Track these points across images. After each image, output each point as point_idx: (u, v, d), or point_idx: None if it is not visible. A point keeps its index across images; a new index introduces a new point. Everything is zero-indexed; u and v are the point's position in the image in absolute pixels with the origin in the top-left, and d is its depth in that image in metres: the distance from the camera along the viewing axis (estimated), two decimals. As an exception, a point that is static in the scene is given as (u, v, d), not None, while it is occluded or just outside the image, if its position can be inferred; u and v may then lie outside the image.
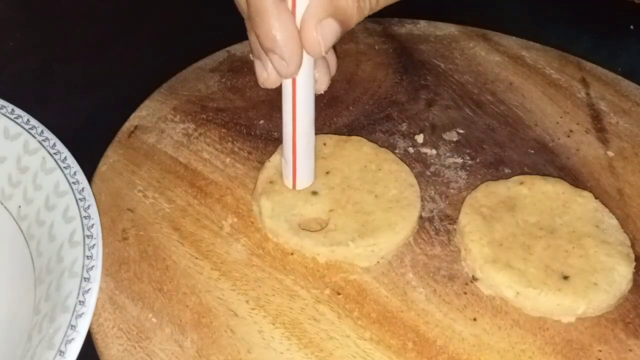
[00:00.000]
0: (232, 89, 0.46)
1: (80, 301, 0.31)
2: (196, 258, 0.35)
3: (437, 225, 0.37)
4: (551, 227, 0.36)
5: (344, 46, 0.50)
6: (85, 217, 0.34)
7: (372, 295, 0.34)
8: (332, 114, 0.45)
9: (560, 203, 0.37)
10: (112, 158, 0.41)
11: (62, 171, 0.37)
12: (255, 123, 0.44)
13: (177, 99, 0.45)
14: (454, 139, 0.43)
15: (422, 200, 0.38)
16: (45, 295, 0.32)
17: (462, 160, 0.41)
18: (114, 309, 0.33)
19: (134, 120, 0.43)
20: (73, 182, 0.36)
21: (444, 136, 0.43)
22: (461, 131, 0.43)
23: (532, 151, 0.42)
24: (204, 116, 0.44)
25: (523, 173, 0.40)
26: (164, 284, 0.34)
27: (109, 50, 0.53)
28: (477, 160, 0.41)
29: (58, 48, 0.54)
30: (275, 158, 0.39)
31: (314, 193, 0.37)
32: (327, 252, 0.35)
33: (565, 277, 0.33)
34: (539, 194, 0.38)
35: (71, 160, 0.37)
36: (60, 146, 0.38)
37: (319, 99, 0.45)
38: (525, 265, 0.34)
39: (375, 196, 0.37)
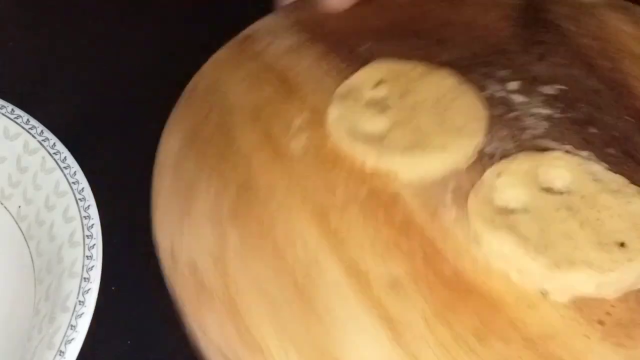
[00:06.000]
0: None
1: (80, 301, 0.31)
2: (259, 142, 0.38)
3: (496, 162, 0.36)
4: None
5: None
6: (85, 217, 0.34)
7: (403, 204, 0.34)
8: (437, 51, 0.42)
9: None
10: (218, 57, 0.44)
11: (62, 171, 0.37)
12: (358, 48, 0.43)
13: (299, 14, 0.46)
14: (551, 93, 0.39)
15: (491, 138, 0.37)
16: (45, 295, 0.32)
17: (549, 112, 0.38)
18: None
19: (247, 31, 0.46)
20: (73, 182, 0.36)
21: (541, 89, 0.39)
22: (562, 87, 0.40)
23: (633, 120, 0.37)
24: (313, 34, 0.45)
25: (610, 137, 0.36)
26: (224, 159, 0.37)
27: (109, 50, 0.53)
28: (567, 115, 0.38)
29: (58, 48, 0.54)
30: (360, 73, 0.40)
31: (384, 108, 0.38)
32: (375, 160, 0.36)
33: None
34: None
35: (71, 160, 0.37)
36: (60, 146, 0.38)
37: (428, 39, 0.43)
38: None
39: (440, 121, 0.37)
